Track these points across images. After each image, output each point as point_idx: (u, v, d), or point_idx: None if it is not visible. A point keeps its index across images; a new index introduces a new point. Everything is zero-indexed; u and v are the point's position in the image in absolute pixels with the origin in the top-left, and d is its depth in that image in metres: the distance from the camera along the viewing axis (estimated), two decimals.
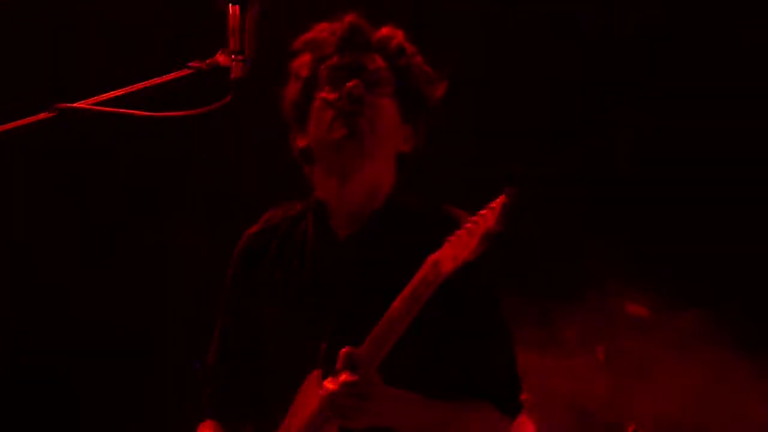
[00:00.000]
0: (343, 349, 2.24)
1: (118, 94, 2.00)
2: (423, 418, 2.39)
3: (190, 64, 1.95)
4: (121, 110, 1.98)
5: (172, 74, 1.95)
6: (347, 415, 2.25)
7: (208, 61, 1.93)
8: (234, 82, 1.91)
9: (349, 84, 2.39)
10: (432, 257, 2.17)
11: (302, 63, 2.49)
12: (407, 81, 2.47)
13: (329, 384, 2.25)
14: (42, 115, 1.98)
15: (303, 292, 2.49)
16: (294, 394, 2.40)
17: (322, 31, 2.47)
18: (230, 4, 1.90)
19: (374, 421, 2.27)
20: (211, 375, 2.62)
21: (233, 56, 1.91)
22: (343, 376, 2.23)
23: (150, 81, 1.99)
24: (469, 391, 2.43)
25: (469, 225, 2.15)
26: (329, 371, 2.29)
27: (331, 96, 2.42)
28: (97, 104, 1.97)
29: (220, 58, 1.91)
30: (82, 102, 1.96)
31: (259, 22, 1.90)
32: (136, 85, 2.01)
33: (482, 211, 2.14)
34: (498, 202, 2.12)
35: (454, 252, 2.15)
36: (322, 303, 2.47)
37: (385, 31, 2.48)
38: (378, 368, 2.25)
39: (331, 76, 2.43)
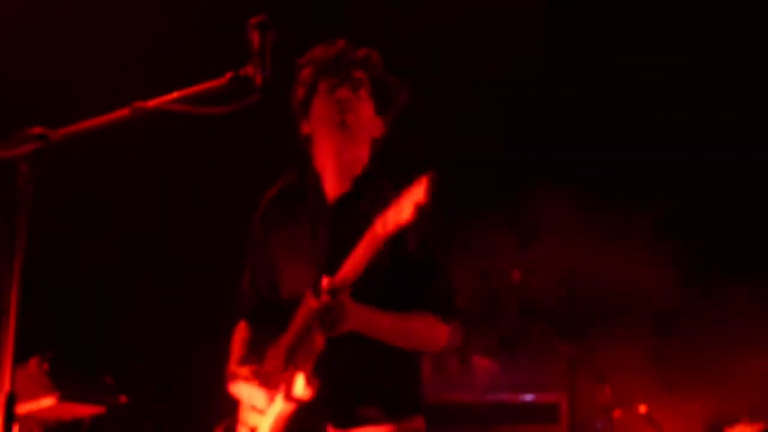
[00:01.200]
0: (324, 278, 3.07)
1: (176, 96, 2.57)
2: (383, 324, 3.26)
3: (227, 73, 2.52)
4: (184, 107, 2.55)
5: (214, 81, 2.54)
6: (326, 325, 3.08)
7: (240, 71, 2.51)
8: (259, 87, 2.49)
9: (341, 90, 3.36)
10: (380, 217, 2.98)
11: (306, 74, 3.47)
12: (380, 86, 3.45)
13: (312, 302, 3.09)
14: (120, 113, 2.57)
15: (304, 238, 3.42)
16: (294, 309, 3.25)
17: (320, 51, 3.47)
18: (255, 32, 2.51)
19: (346, 328, 3.12)
20: (244, 293, 3.60)
21: (258, 68, 2.49)
22: (323, 297, 3.05)
23: (200, 86, 2.57)
24: (417, 306, 3.31)
25: (405, 195, 2.93)
26: (317, 292, 3.13)
27: (328, 97, 3.40)
28: (163, 103, 2.53)
29: (248, 69, 2.49)
30: (153, 101, 2.53)
31: (274, 44, 2.52)
32: (190, 89, 2.58)
33: (414, 184, 2.92)
34: (425, 179, 2.91)
35: (396, 215, 2.94)
36: (317, 245, 3.38)
37: (363, 51, 3.48)
38: (350, 292, 3.08)
39: (329, 84, 3.41)
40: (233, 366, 3.46)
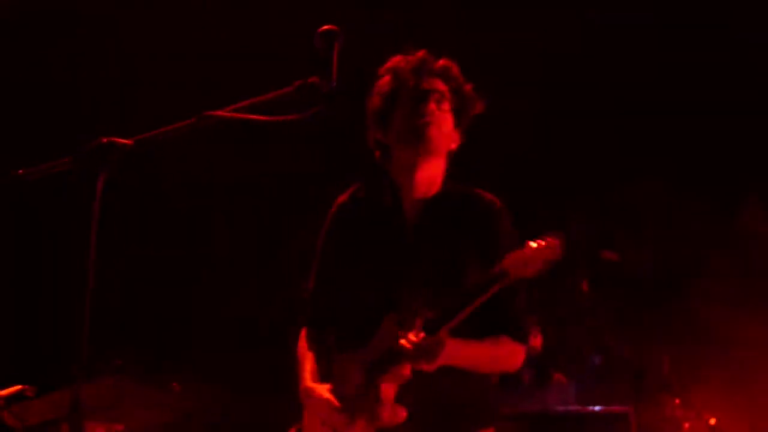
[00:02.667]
0: (425, 313, 3.03)
1: (244, 104, 2.60)
2: (470, 355, 3.22)
3: (295, 82, 2.55)
4: (251, 116, 2.58)
5: (283, 90, 2.57)
6: (419, 363, 3.04)
7: (308, 80, 2.53)
8: (325, 96, 2.51)
9: (427, 103, 3.30)
10: (506, 261, 2.93)
11: (384, 83, 3.40)
12: (460, 98, 3.37)
13: (412, 336, 3.02)
14: (190, 121, 2.61)
15: (379, 253, 3.36)
16: (367, 323, 3.21)
17: (400, 61, 3.40)
18: (322, 42, 2.54)
19: (439, 364, 3.07)
20: (310, 298, 3.54)
21: (325, 78, 2.51)
22: (422, 335, 3.01)
23: (267, 95, 2.60)
24: (495, 329, 3.28)
25: (539, 246, 2.90)
26: (403, 317, 3.09)
27: (413, 111, 3.31)
28: (233, 111, 2.57)
29: (314, 79, 2.51)
30: (221, 111, 2.56)
31: (340, 55, 2.52)
32: (258, 98, 2.61)
33: (548, 239, 2.90)
34: (558, 236, 2.90)
35: (524, 265, 2.91)
36: (393, 263, 3.32)
37: (443, 61, 3.40)
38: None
39: (411, 95, 3.33)
40: (308, 381, 3.36)
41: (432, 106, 3.34)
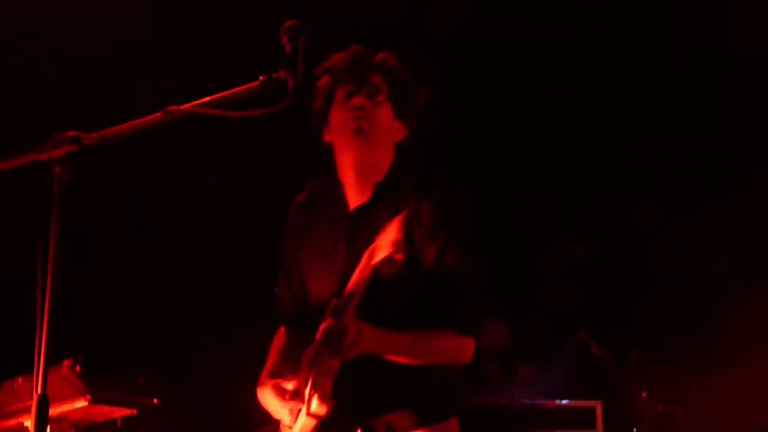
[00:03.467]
0: (332, 301, 3.05)
1: (209, 99, 2.58)
2: (400, 346, 3.19)
3: (261, 77, 2.54)
4: (216, 111, 2.57)
5: (248, 85, 2.56)
6: (332, 350, 3.03)
7: (273, 75, 2.51)
8: (291, 90, 2.49)
9: (356, 97, 3.33)
10: (371, 246, 3.01)
11: (323, 82, 3.43)
12: (399, 89, 3.38)
13: (321, 328, 3.05)
14: (153, 116, 2.59)
15: (325, 247, 3.40)
16: (319, 315, 3.19)
17: (335, 59, 3.42)
18: (287, 36, 2.53)
19: (354, 352, 3.06)
20: (281, 298, 3.57)
21: (290, 71, 2.50)
22: (327, 322, 3.03)
23: (233, 90, 2.59)
24: (438, 323, 3.23)
25: (390, 227, 2.97)
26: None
27: (345, 105, 3.35)
28: (197, 106, 2.55)
29: (281, 73, 2.50)
30: (186, 105, 2.55)
31: (306, 50, 2.52)
32: (222, 93, 2.60)
33: (393, 221, 2.99)
34: (401, 217, 2.98)
35: (382, 247, 2.98)
36: (336, 255, 3.35)
37: (381, 54, 3.42)
38: (358, 313, 3.05)
39: (345, 91, 3.36)
40: (263, 376, 3.40)
41: (361, 100, 3.35)
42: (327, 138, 3.47)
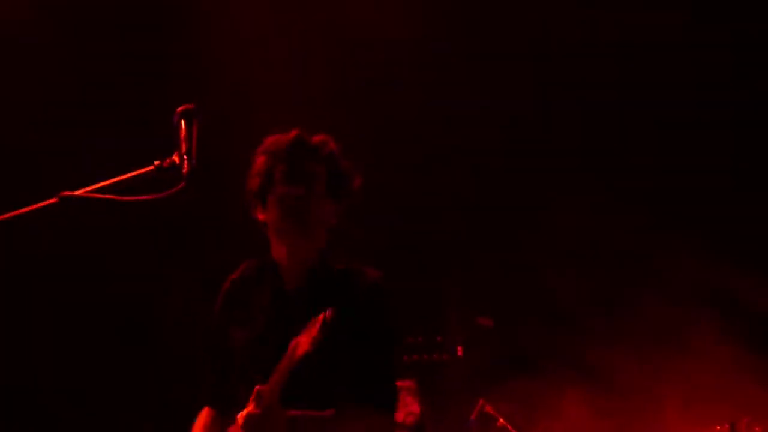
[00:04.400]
0: (256, 387, 3.08)
1: (105, 184, 2.59)
2: (315, 428, 3.20)
3: (155, 162, 2.55)
4: (110, 196, 2.57)
5: (141, 169, 2.57)
6: None
7: (167, 160, 2.54)
8: (185, 174, 2.51)
9: (295, 187, 3.35)
10: (295, 339, 3.08)
11: (260, 163, 3.45)
12: (335, 173, 3.44)
13: (242, 414, 3.09)
14: (48, 201, 2.57)
15: (259, 327, 3.40)
16: (246, 394, 3.20)
17: (274, 141, 3.46)
18: (181, 120, 2.57)
19: None
20: (204, 379, 3.56)
21: (184, 156, 2.53)
22: (250, 408, 3.07)
23: (128, 174, 2.59)
24: (358, 398, 3.26)
25: (311, 326, 3.06)
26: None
27: (283, 193, 3.37)
28: (92, 192, 2.55)
29: (175, 157, 2.53)
30: (80, 191, 2.55)
31: (199, 133, 2.55)
32: (118, 177, 2.60)
33: (312, 320, 3.08)
34: (320, 319, 3.06)
35: (307, 341, 3.05)
36: (270, 336, 3.35)
37: (318, 138, 3.46)
38: (282, 398, 3.09)
39: (282, 177, 3.39)
40: None
41: (300, 190, 3.38)
42: (261, 217, 3.49)
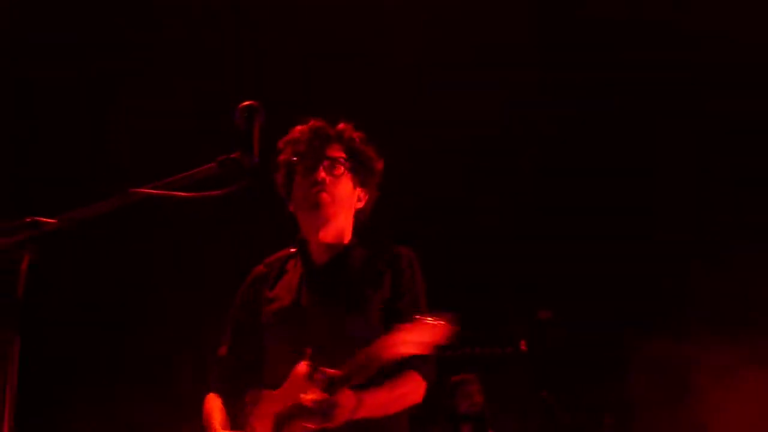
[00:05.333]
0: (325, 370, 3.12)
1: (172, 180, 2.63)
2: (376, 407, 3.29)
3: (218, 158, 2.57)
4: (175, 192, 2.62)
5: (205, 166, 2.60)
6: (318, 420, 3.12)
7: (230, 156, 2.56)
8: (248, 171, 2.54)
9: (316, 172, 3.45)
10: (394, 337, 3.04)
11: (285, 156, 3.58)
12: (357, 158, 3.53)
13: (311, 395, 3.12)
14: (115, 199, 2.63)
15: (289, 302, 3.49)
16: (278, 373, 3.31)
17: (296, 132, 3.57)
18: (243, 117, 2.58)
19: (342, 420, 3.15)
20: (222, 362, 3.62)
21: (246, 153, 2.55)
22: (319, 393, 3.11)
23: (191, 171, 2.63)
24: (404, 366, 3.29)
25: (418, 330, 3.01)
26: (310, 371, 3.18)
27: (304, 180, 3.49)
28: (157, 188, 2.60)
29: (236, 154, 2.55)
30: (147, 187, 2.59)
31: (262, 130, 2.58)
32: (182, 174, 2.64)
33: (434, 321, 3.02)
34: (441, 327, 3.02)
35: (408, 344, 3.03)
36: (301, 311, 3.45)
37: (341, 125, 3.57)
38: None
39: (304, 165, 3.50)
40: (217, 428, 3.46)
41: (321, 175, 3.48)
42: (291, 208, 3.61)
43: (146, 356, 6.47)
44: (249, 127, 2.60)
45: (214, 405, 3.57)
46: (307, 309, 3.46)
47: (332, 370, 3.14)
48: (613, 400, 6.70)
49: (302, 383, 3.19)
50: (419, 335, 3.03)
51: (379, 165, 3.62)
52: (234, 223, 6.10)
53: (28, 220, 2.58)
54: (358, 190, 3.61)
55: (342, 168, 3.53)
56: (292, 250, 3.67)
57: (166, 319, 6.58)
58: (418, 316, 3.06)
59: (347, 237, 3.60)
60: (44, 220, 2.59)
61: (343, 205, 3.55)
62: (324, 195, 3.49)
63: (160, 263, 6.54)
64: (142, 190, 2.65)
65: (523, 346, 7.12)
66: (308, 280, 3.54)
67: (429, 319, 3.04)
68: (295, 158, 3.56)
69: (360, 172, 3.59)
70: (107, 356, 6.39)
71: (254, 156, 2.57)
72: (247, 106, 2.62)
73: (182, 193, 2.65)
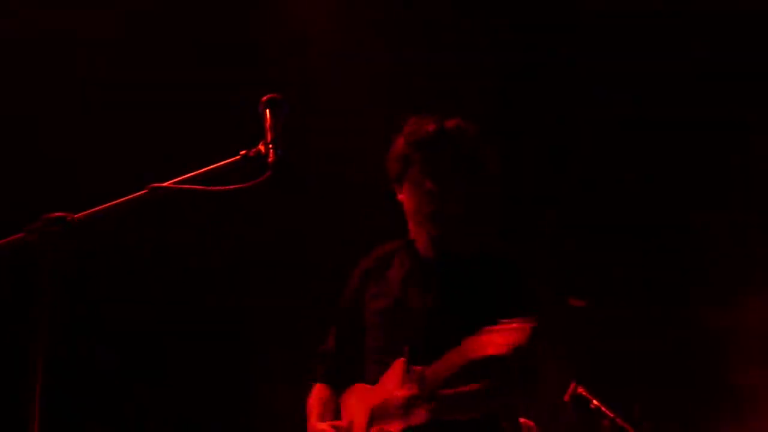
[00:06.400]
0: (418, 368, 3.19)
1: (192, 175, 2.61)
2: (466, 409, 3.29)
3: (241, 152, 2.57)
4: (198, 186, 2.58)
5: (228, 159, 2.59)
6: (408, 416, 3.19)
7: (253, 149, 2.56)
8: (271, 164, 2.50)
9: (434, 177, 3.41)
10: (486, 337, 3.06)
11: (399, 148, 3.52)
12: (475, 160, 3.48)
13: (403, 390, 3.21)
14: (138, 194, 2.60)
15: (397, 303, 3.49)
16: (379, 366, 3.40)
17: (412, 126, 3.51)
18: (266, 109, 2.57)
19: (431, 417, 3.20)
20: (329, 355, 3.67)
21: (270, 146, 2.53)
22: (412, 389, 3.18)
23: (214, 165, 2.62)
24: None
25: (508, 330, 3.02)
26: (410, 368, 3.24)
27: (421, 184, 3.44)
28: (179, 183, 2.58)
29: (261, 147, 2.53)
30: (169, 182, 2.58)
31: (285, 122, 2.56)
32: (206, 168, 2.62)
33: (519, 326, 3.03)
34: (529, 327, 3.03)
35: (494, 346, 3.04)
36: (409, 307, 3.46)
37: (455, 124, 3.51)
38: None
39: (425, 160, 3.44)
40: (313, 421, 3.54)
41: (437, 185, 3.43)
42: (400, 197, 3.58)
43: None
44: (273, 119, 2.57)
45: (317, 397, 3.63)
46: (410, 308, 3.46)
47: (421, 368, 3.21)
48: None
49: (398, 380, 3.26)
50: (505, 337, 3.04)
51: (495, 162, 3.58)
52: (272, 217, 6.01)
53: (55, 215, 2.53)
54: (473, 189, 3.55)
55: (462, 168, 3.49)
56: (398, 243, 3.65)
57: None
58: (504, 320, 3.08)
59: (458, 239, 3.55)
60: (70, 215, 2.55)
61: (458, 207, 3.52)
62: (438, 206, 3.46)
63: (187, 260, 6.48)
64: (166, 184, 2.62)
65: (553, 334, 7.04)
66: (414, 277, 3.52)
67: (515, 323, 3.05)
68: (409, 151, 3.51)
69: (477, 173, 3.54)
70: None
71: (278, 149, 2.54)
72: (271, 98, 2.59)
73: (206, 187, 2.60)
